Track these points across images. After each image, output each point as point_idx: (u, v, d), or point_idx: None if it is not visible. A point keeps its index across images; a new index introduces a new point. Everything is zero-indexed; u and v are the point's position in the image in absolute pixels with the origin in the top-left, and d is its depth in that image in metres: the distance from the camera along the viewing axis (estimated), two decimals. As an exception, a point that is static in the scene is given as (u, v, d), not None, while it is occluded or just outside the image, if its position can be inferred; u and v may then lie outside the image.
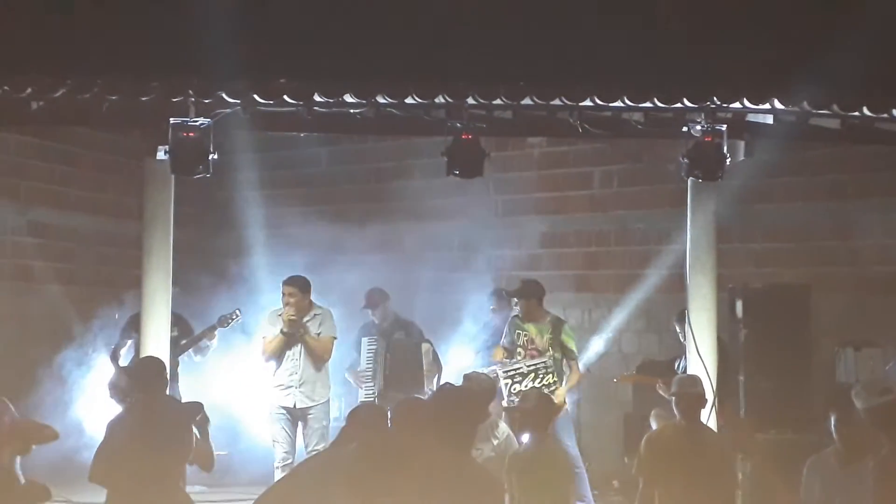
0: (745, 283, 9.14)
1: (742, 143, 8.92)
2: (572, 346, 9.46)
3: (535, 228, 11.89)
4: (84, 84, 8.11)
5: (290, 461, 9.12)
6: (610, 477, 10.11)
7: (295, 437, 9.25)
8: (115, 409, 9.45)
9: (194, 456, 7.20)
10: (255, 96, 8.21)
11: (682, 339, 9.40)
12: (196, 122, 8.17)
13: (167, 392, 7.80)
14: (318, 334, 9.31)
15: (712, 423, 8.36)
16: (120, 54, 8.10)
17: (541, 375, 9.07)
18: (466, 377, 8.09)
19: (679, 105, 8.29)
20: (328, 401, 9.39)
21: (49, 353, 10.53)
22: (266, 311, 9.62)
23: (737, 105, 8.35)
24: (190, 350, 9.91)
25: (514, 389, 9.00)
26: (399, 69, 8.20)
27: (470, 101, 8.26)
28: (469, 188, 11.16)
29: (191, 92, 8.14)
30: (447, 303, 11.34)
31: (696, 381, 7.52)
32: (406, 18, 8.26)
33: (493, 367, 9.37)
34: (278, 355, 9.29)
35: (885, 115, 8.29)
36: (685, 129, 8.51)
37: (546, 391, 8.88)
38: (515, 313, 9.66)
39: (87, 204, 12.23)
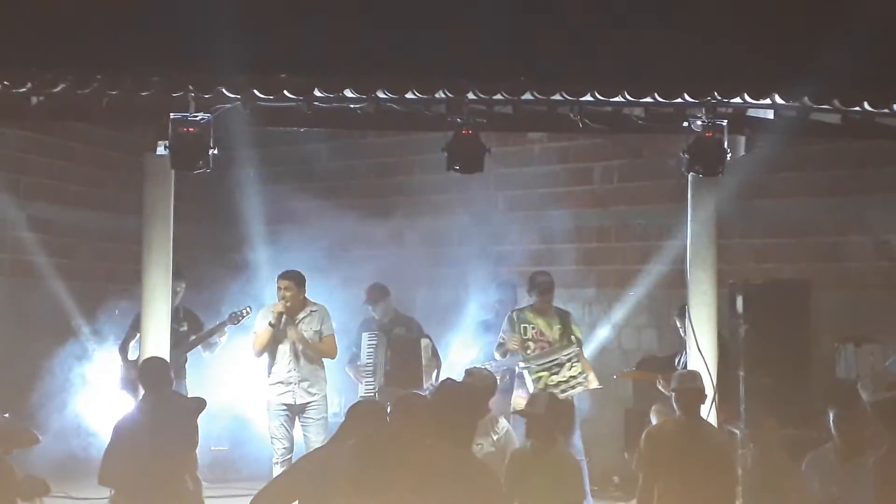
0: (745, 278, 9.12)
1: (743, 139, 8.92)
2: (580, 335, 9.48)
3: (536, 224, 11.88)
4: (84, 79, 8.11)
5: (289, 457, 9.14)
6: (610, 473, 10.12)
7: (293, 432, 9.24)
8: (120, 405, 9.48)
9: None
10: (256, 91, 8.21)
11: (682, 335, 9.41)
12: (196, 117, 8.17)
13: (173, 388, 7.81)
14: (318, 332, 9.32)
15: (712, 419, 8.38)
16: (120, 49, 8.10)
17: (574, 364, 9.07)
18: (468, 372, 8.08)
19: (679, 100, 8.29)
20: (326, 395, 9.41)
21: (49, 349, 10.54)
22: (262, 309, 9.63)
23: (737, 100, 8.36)
24: (199, 346, 9.92)
25: (552, 381, 8.95)
26: (399, 64, 8.20)
27: (470, 96, 8.26)
28: (469, 184, 11.16)
29: (191, 87, 8.14)
30: (447, 298, 11.34)
31: (695, 376, 7.53)
32: (406, 13, 8.25)
33: (506, 360, 9.37)
34: (268, 349, 9.28)
35: (886, 111, 8.30)
36: (686, 124, 8.52)
37: (581, 378, 8.98)
38: (521, 307, 9.62)
39: (87, 199, 12.23)
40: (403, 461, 5.81)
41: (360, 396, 9.68)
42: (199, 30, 7.86)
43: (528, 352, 9.23)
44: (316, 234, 11.73)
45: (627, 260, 11.41)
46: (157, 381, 7.46)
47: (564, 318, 9.47)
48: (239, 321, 9.89)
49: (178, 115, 8.15)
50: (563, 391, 8.95)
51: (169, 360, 8.21)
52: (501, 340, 9.44)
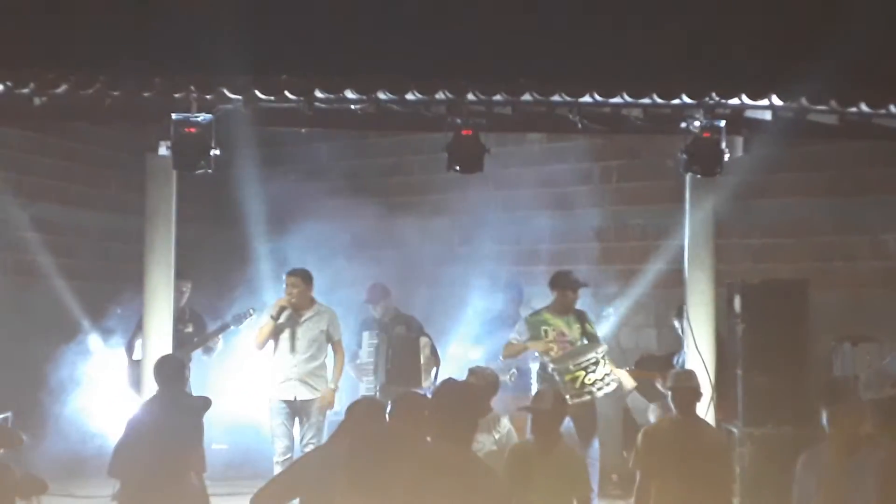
0: (743, 278, 9.15)
1: (740, 139, 8.95)
2: (596, 333, 9.46)
3: (535, 224, 11.91)
4: (86, 80, 8.15)
5: (289, 455, 9.15)
6: (609, 471, 10.14)
7: (293, 430, 9.28)
8: (124, 404, 9.52)
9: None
10: (257, 92, 8.24)
11: (680, 335, 9.44)
12: (198, 117, 8.20)
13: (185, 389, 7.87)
14: (324, 332, 9.35)
15: (710, 417, 8.42)
16: (122, 50, 8.14)
17: (606, 361, 8.99)
18: (471, 371, 8.13)
19: (678, 101, 8.33)
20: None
21: (52, 348, 10.57)
22: (269, 304, 9.67)
23: (735, 101, 8.39)
24: (200, 348, 9.96)
25: (589, 380, 8.82)
26: (399, 65, 8.23)
27: (470, 97, 8.29)
28: (469, 184, 11.19)
29: (192, 88, 8.18)
30: (448, 298, 11.37)
31: (690, 375, 7.56)
32: (407, 15, 8.29)
33: (502, 361, 9.39)
34: (270, 340, 9.31)
35: (883, 111, 8.33)
36: (684, 124, 8.54)
37: (614, 375, 8.97)
38: (535, 309, 9.57)
39: (89, 199, 12.26)
40: (403, 460, 5.83)
41: (361, 395, 9.72)
42: (201, 31, 7.90)
43: (552, 353, 9.13)
44: (317, 234, 11.75)
45: (626, 259, 11.44)
46: (171, 379, 7.51)
47: (582, 317, 9.39)
48: (241, 323, 9.92)
49: (180, 116, 8.19)
50: (600, 389, 8.87)
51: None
52: (515, 342, 9.33)
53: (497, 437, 7.79)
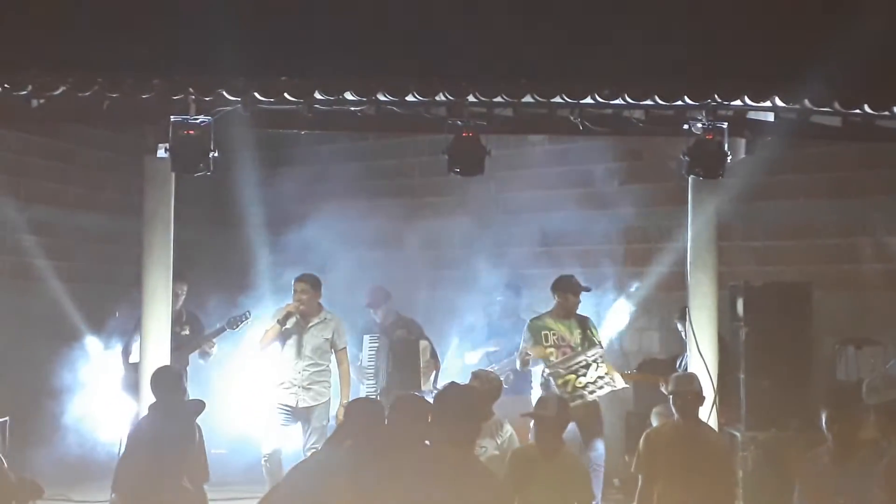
0: (746, 280, 9.12)
1: (743, 141, 8.92)
2: (600, 338, 9.44)
3: (537, 226, 11.88)
4: (84, 82, 8.11)
5: (277, 457, 9.09)
6: (611, 475, 10.09)
7: (287, 433, 9.22)
8: (122, 409, 9.50)
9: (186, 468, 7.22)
10: (256, 94, 8.21)
11: (683, 338, 9.41)
12: (196, 119, 8.17)
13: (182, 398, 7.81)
14: (329, 340, 9.31)
15: (713, 421, 8.37)
16: (120, 52, 8.10)
17: (599, 365, 9.03)
18: (474, 374, 8.12)
19: (680, 102, 8.30)
20: (329, 399, 9.40)
21: (49, 351, 10.54)
22: (275, 308, 9.62)
23: (738, 102, 8.36)
24: (196, 352, 9.91)
25: (580, 384, 8.92)
26: (399, 67, 8.20)
27: (470, 98, 8.26)
28: (470, 186, 11.16)
29: (191, 90, 8.14)
30: (448, 300, 11.33)
31: (692, 378, 7.54)
32: (406, 16, 8.26)
33: (505, 365, 9.36)
34: (276, 342, 9.26)
35: (886, 113, 8.30)
36: (686, 126, 8.52)
37: (608, 378, 8.98)
38: (538, 314, 9.54)
39: (87, 201, 12.22)
40: (404, 462, 5.80)
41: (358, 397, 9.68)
42: (200, 32, 7.87)
43: (552, 358, 9.15)
44: (317, 236, 11.72)
45: (628, 262, 11.40)
46: (168, 389, 7.46)
47: (584, 322, 9.43)
48: (237, 326, 9.86)
49: (179, 118, 8.15)
50: (591, 392, 8.96)
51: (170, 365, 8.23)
52: (525, 350, 9.32)
53: (499, 441, 7.78)
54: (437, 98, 8.29)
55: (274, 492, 6.42)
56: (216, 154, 8.22)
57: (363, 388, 10.07)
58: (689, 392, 7.28)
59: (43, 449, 9.72)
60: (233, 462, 10.45)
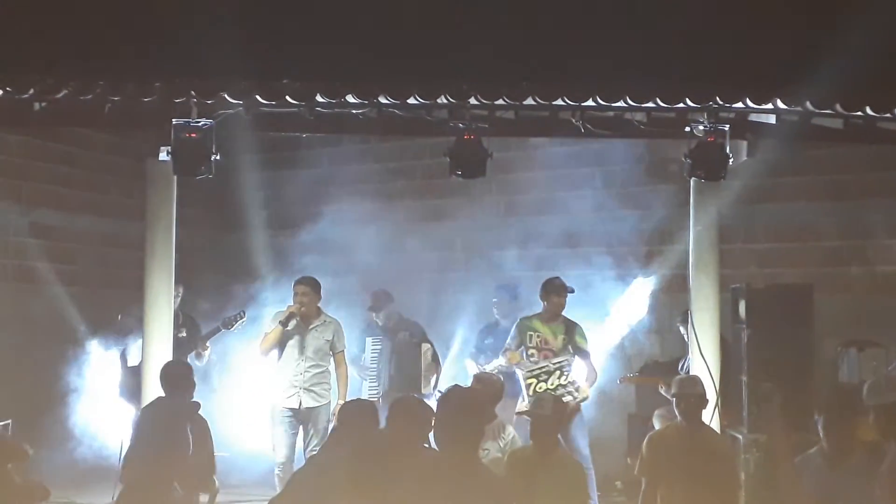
0: (747, 283, 9.10)
1: (745, 143, 8.92)
2: (586, 346, 9.33)
3: (539, 229, 11.87)
4: (86, 85, 8.12)
5: (290, 464, 9.09)
6: (613, 478, 10.11)
7: (295, 438, 9.22)
8: (121, 412, 9.48)
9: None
10: (258, 97, 8.22)
11: (685, 340, 9.40)
12: (198, 122, 8.18)
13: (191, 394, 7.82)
14: (329, 342, 9.30)
15: (716, 423, 8.36)
16: (122, 55, 8.11)
17: (565, 373, 9.00)
18: (476, 377, 8.12)
19: (681, 105, 8.30)
20: (329, 402, 9.39)
21: (52, 354, 10.54)
22: (273, 311, 9.62)
23: (739, 105, 8.36)
24: (192, 354, 9.90)
25: (540, 388, 8.87)
26: (401, 69, 8.20)
27: (472, 101, 8.26)
28: (472, 189, 11.17)
29: (193, 93, 8.15)
30: (450, 303, 11.33)
31: (695, 381, 7.51)
32: (408, 19, 8.26)
33: (500, 367, 9.34)
34: (276, 347, 9.26)
35: (888, 115, 8.30)
36: (688, 129, 8.52)
37: (571, 388, 8.93)
38: (529, 314, 9.55)
39: (89, 205, 12.23)
40: (404, 465, 5.80)
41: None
42: (202, 36, 7.86)
43: (532, 359, 9.18)
44: (318, 238, 11.73)
45: (630, 265, 11.39)
46: (178, 384, 7.48)
47: (570, 328, 9.33)
48: (232, 326, 9.84)
49: (181, 121, 8.16)
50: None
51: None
52: (508, 346, 9.39)
53: (502, 444, 7.77)
54: (438, 101, 8.30)
55: (277, 500, 6.41)
56: (218, 157, 8.23)
57: (365, 389, 10.07)
58: (693, 395, 7.26)
59: (45, 451, 9.71)
60: (235, 464, 10.45)
